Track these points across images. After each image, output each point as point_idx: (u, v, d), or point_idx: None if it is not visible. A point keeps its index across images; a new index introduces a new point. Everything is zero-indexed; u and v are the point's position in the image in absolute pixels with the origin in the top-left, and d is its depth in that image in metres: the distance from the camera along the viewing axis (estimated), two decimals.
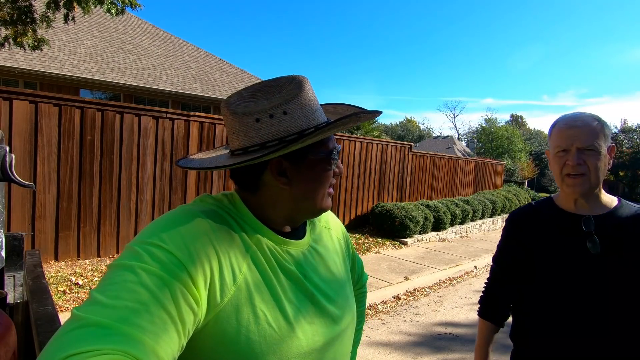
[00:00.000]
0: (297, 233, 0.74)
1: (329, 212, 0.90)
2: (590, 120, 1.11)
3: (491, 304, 1.34)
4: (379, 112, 0.72)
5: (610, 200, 1.17)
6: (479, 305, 1.38)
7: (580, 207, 1.16)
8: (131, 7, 5.61)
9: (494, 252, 1.36)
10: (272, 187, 0.69)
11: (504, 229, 1.33)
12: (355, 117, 0.66)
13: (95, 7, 5.41)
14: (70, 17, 5.45)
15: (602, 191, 1.16)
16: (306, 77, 0.69)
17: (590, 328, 1.06)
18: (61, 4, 5.36)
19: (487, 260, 6.57)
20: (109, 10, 5.29)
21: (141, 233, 0.58)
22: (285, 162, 0.67)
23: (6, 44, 5.41)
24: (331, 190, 0.74)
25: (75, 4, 5.31)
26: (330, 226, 0.86)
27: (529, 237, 1.22)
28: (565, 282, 1.11)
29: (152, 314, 0.48)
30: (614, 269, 1.07)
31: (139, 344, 0.45)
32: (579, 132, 1.09)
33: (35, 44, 5.56)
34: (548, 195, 1.30)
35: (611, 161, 1.15)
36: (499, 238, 1.35)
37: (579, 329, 1.08)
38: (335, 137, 0.86)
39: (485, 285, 1.39)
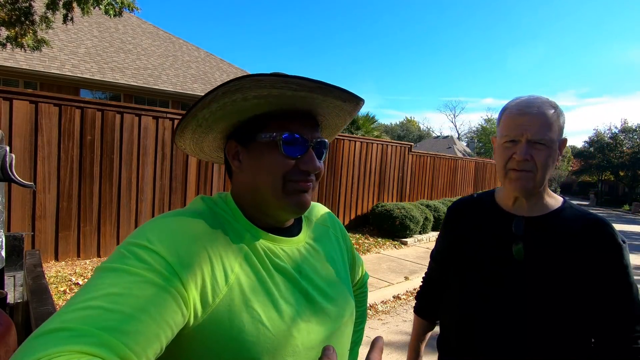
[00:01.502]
0: (292, 230, 0.74)
1: (328, 211, 0.89)
2: (546, 107, 0.96)
3: (425, 301, 1.26)
4: (266, 76, 0.60)
5: (554, 201, 1.03)
6: (415, 302, 1.30)
7: (518, 206, 1.03)
8: (129, 9, 5.61)
9: None
10: (235, 173, 0.71)
11: (443, 220, 1.22)
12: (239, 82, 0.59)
13: (94, 7, 5.41)
14: (69, 18, 5.46)
15: (547, 191, 1.04)
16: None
17: (509, 336, 0.96)
18: (60, 4, 5.37)
19: None
20: (107, 12, 5.29)
21: (130, 235, 0.58)
22: (238, 145, 0.69)
23: (8, 44, 5.42)
24: (302, 184, 0.67)
25: (74, 5, 5.32)
26: (328, 224, 0.86)
27: (462, 232, 1.11)
28: (487, 286, 1.00)
29: (129, 316, 0.47)
30: (537, 277, 0.95)
31: (110, 347, 0.44)
32: (532, 120, 0.94)
33: (36, 44, 5.57)
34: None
35: (560, 157, 1.01)
36: None
37: (498, 336, 0.97)
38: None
39: (422, 279, 1.30)
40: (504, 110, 1.02)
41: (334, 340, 0.70)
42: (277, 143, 0.65)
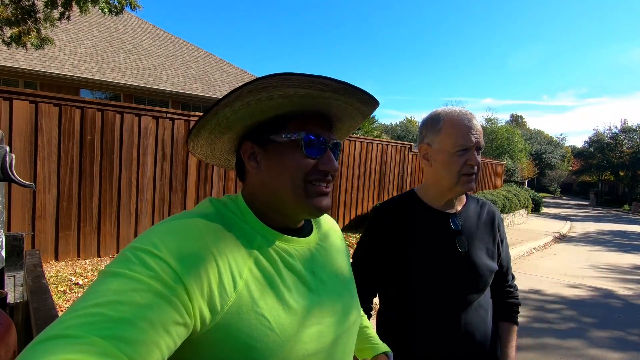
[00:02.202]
0: (303, 230, 0.74)
1: (327, 216, 0.89)
2: (476, 118, 1.13)
3: None
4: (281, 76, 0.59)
5: (463, 195, 1.23)
6: None
7: (449, 204, 1.18)
8: (131, 7, 5.60)
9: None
10: (251, 174, 0.70)
11: (369, 224, 1.25)
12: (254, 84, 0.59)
13: (94, 6, 5.40)
14: (66, 16, 5.44)
15: None
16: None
17: (459, 313, 1.11)
18: (59, 2, 5.36)
19: None
20: (102, 10, 5.27)
21: (136, 238, 0.56)
22: (254, 146, 0.68)
23: (12, 43, 5.41)
24: (322, 188, 0.67)
25: (73, 3, 5.31)
26: (334, 227, 0.87)
27: (399, 233, 1.16)
28: (437, 278, 1.11)
29: (131, 324, 0.46)
30: (476, 260, 1.13)
31: (112, 356, 0.43)
32: (477, 130, 1.09)
33: (39, 43, 5.56)
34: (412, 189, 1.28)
35: None
36: None
37: (450, 317, 1.10)
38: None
39: None
40: (444, 120, 1.11)
41: (342, 342, 0.70)
42: (298, 143, 0.65)
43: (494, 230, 1.21)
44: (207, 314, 0.54)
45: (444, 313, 1.11)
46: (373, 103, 0.70)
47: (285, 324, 0.60)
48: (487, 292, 1.19)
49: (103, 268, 0.53)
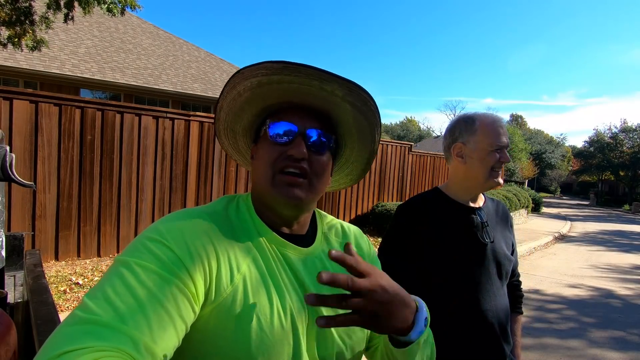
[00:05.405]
0: (307, 240, 0.72)
1: (362, 234, 0.84)
2: None
3: None
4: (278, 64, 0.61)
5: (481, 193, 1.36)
6: None
7: (474, 200, 1.28)
8: (131, 8, 5.61)
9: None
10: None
11: (396, 218, 1.28)
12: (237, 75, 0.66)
13: (95, 7, 5.40)
14: (70, 17, 5.46)
15: None
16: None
17: (490, 301, 1.18)
18: (62, 3, 5.36)
19: None
20: (109, 10, 5.28)
21: (146, 229, 0.60)
22: (254, 146, 0.74)
23: (8, 44, 5.42)
24: (292, 177, 0.65)
25: (76, 4, 5.32)
26: (360, 244, 0.81)
27: (423, 226, 1.21)
28: (465, 267, 1.18)
29: (149, 311, 0.49)
30: (501, 251, 1.23)
31: (134, 342, 0.46)
32: (506, 131, 1.22)
33: (34, 44, 5.57)
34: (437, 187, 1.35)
35: None
36: None
37: (479, 309, 1.17)
38: None
39: None
40: (481, 122, 1.22)
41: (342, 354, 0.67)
42: (266, 133, 0.68)
43: (508, 226, 1.35)
44: (203, 302, 0.57)
45: (471, 300, 1.17)
46: (339, 81, 0.62)
47: (276, 326, 0.60)
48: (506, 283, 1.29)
49: (116, 257, 0.56)
